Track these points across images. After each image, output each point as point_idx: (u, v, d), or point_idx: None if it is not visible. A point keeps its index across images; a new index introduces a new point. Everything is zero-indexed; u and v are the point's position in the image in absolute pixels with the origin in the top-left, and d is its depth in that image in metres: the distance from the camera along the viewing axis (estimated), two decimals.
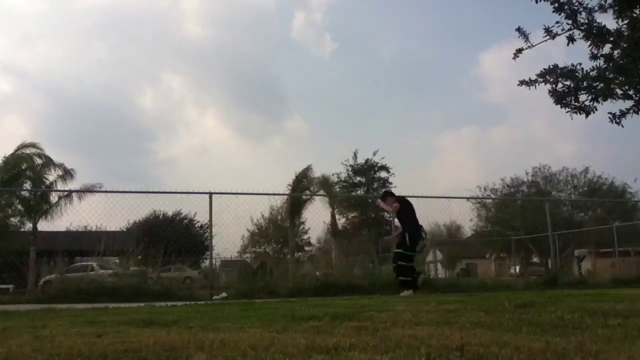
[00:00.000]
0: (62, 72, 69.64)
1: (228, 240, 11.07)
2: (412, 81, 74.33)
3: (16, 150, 21.70)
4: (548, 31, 4.83)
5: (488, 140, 73.06)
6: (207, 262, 16.99)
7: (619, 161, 59.07)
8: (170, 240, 18.20)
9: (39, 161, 21.77)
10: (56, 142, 61.03)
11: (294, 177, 23.62)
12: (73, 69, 68.37)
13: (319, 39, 76.22)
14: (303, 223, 26.12)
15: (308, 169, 23.66)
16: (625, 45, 4.74)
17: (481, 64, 75.05)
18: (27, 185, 22.02)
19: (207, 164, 64.25)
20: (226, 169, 61.33)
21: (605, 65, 4.85)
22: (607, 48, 4.90)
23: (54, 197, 21.66)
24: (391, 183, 28.54)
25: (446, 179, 68.10)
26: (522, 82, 5.02)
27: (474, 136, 74.50)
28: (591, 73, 4.85)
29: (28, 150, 21.86)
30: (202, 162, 65.82)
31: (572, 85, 4.93)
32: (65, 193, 21.61)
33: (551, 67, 4.97)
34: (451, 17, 72.06)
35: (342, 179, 28.14)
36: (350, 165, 28.45)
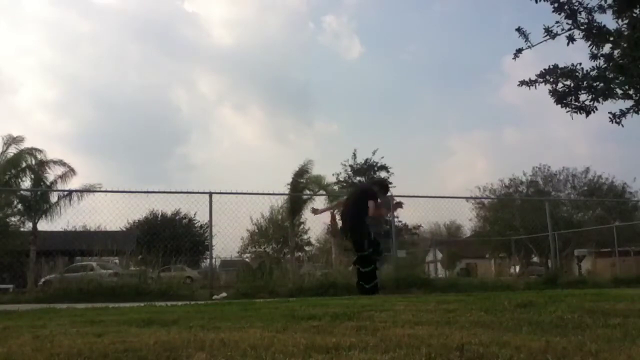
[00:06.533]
0: (97, 77, 68.94)
1: (228, 240, 11.08)
2: (435, 82, 74.45)
3: (5, 149, 21.74)
4: (548, 31, 4.84)
5: (501, 141, 72.83)
6: (207, 262, 16.98)
7: (618, 161, 59.01)
8: (170, 240, 18.20)
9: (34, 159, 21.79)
10: (79, 145, 61.22)
11: (292, 176, 23.44)
12: (106, 74, 67.94)
13: (347, 42, 76.30)
14: (303, 223, 26.11)
15: (308, 163, 23.36)
16: (625, 45, 4.75)
17: (503, 65, 74.44)
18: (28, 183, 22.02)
19: (234, 167, 64.09)
20: (251, 171, 60.92)
21: (605, 65, 4.86)
22: (607, 48, 4.90)
23: (53, 197, 21.68)
24: (391, 183, 28.53)
25: (459, 179, 68.22)
26: (522, 83, 5.02)
27: (486, 137, 74.12)
28: (591, 73, 4.86)
29: (14, 148, 21.91)
30: (230, 163, 65.63)
31: (572, 85, 4.94)
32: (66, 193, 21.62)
33: (551, 67, 4.98)
34: (474, 20, 71.79)
35: (342, 179, 28.14)
36: (350, 165, 28.47)
